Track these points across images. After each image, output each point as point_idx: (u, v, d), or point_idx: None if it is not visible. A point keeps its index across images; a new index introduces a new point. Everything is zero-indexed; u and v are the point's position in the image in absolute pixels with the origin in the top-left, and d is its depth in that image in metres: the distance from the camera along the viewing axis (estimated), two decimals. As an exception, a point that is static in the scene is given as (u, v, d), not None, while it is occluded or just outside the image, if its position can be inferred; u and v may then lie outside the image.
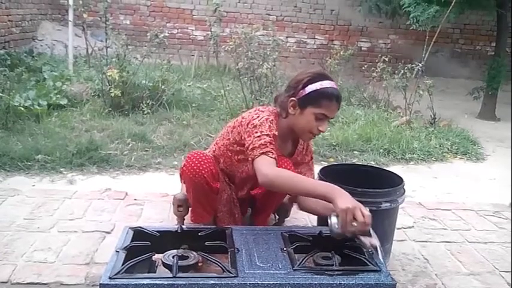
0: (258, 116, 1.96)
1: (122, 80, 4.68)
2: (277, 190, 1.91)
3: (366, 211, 1.61)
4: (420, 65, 5.16)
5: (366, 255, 1.64)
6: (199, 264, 1.63)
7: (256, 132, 1.89)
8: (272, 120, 1.96)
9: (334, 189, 1.69)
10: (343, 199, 1.62)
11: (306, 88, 1.94)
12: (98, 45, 5.59)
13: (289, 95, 1.99)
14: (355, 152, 4.12)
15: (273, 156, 1.83)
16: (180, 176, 2.20)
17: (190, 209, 2.15)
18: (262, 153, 1.82)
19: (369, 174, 2.31)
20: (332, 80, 1.98)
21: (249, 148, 1.87)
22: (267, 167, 1.78)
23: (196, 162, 1.99)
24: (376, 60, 5.73)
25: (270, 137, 1.88)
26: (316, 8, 9.15)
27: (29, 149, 3.45)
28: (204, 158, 2.01)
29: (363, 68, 6.37)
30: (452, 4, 5.17)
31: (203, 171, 1.98)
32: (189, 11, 8.99)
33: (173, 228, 1.80)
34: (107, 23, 4.80)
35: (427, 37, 5.31)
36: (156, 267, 1.75)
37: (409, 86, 5.27)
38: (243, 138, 1.96)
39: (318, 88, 1.93)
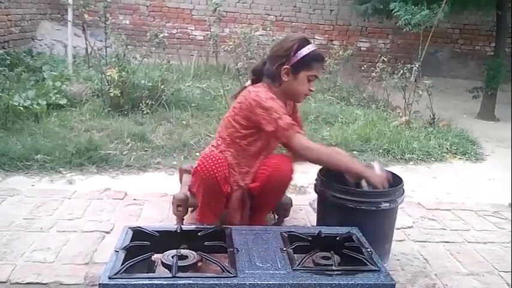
0: (261, 98, 2.05)
1: (121, 80, 4.68)
2: (316, 163, 2.08)
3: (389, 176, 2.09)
4: (417, 65, 5.16)
5: (365, 255, 1.64)
6: (199, 264, 1.63)
7: (272, 114, 2.01)
8: (272, 95, 2.08)
9: (366, 169, 2.04)
10: (375, 178, 2.01)
11: (297, 54, 2.08)
12: (98, 45, 5.59)
13: (280, 64, 2.09)
14: (354, 152, 4.12)
15: (303, 132, 2.12)
16: (180, 176, 2.21)
17: (198, 208, 2.16)
18: (295, 131, 2.01)
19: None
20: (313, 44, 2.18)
21: (279, 130, 2.00)
22: (307, 142, 2.03)
23: (211, 163, 2.01)
24: (376, 60, 5.73)
25: (286, 113, 2.06)
26: (316, 8, 9.15)
27: (28, 148, 3.45)
28: (218, 160, 2.04)
29: (362, 68, 6.37)
30: (443, 5, 5.18)
31: (217, 174, 2.00)
32: (189, 11, 8.98)
33: (172, 228, 1.81)
34: (107, 22, 4.80)
35: (421, 38, 5.32)
36: (156, 267, 1.75)
37: (409, 86, 5.26)
38: (256, 122, 2.06)
39: (308, 52, 2.09)
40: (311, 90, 2.15)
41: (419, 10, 5.30)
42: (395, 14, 5.68)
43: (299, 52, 2.07)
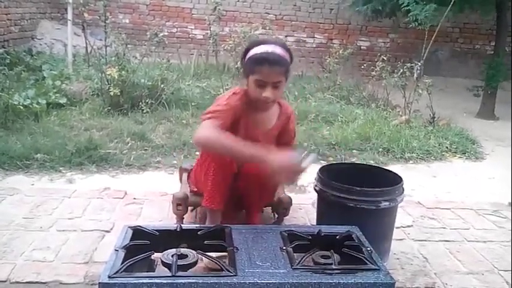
0: (216, 100, 2.09)
1: (121, 79, 4.68)
2: (209, 151, 2.01)
3: (294, 166, 1.75)
4: (419, 64, 5.16)
5: (365, 254, 1.64)
6: (201, 264, 1.64)
7: (214, 105, 2.02)
8: (235, 93, 2.05)
9: (259, 153, 1.79)
10: (274, 165, 1.75)
11: (245, 57, 2.01)
12: (97, 44, 5.58)
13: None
14: (354, 151, 4.12)
15: (220, 121, 1.93)
16: (180, 175, 2.21)
17: (205, 192, 2.13)
18: (209, 117, 1.93)
19: (368, 173, 2.31)
20: (274, 43, 2.00)
21: (203, 114, 1.98)
22: (204, 129, 1.91)
23: None
24: (376, 59, 5.73)
25: (224, 106, 1.99)
26: (316, 7, 9.14)
27: (28, 147, 3.45)
28: None
29: (362, 67, 6.37)
30: (452, 2, 5.17)
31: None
32: (189, 10, 8.98)
33: (172, 227, 1.80)
34: (106, 21, 4.81)
35: (426, 36, 5.31)
36: (156, 266, 1.75)
37: (408, 85, 5.27)
38: None
39: (251, 55, 1.98)
40: (265, 97, 1.97)
41: (428, 6, 5.28)
42: (403, 8, 5.66)
43: (247, 55, 2.01)
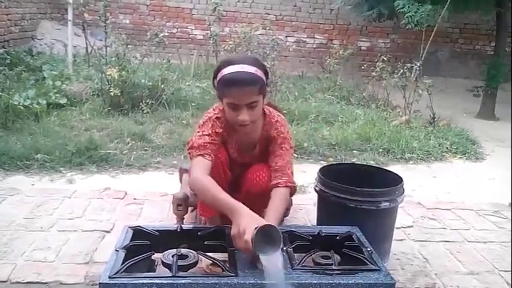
0: (206, 115, 1.99)
1: (121, 79, 4.68)
2: (197, 195, 1.94)
3: (246, 240, 1.49)
4: (418, 64, 5.16)
5: (365, 254, 1.64)
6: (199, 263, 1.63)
7: (199, 132, 1.94)
8: (217, 118, 1.96)
9: (234, 212, 1.61)
10: (234, 227, 1.57)
11: (216, 80, 1.90)
12: (98, 45, 5.58)
13: None
14: (354, 151, 4.12)
15: (209, 158, 1.87)
16: (180, 175, 2.20)
17: (198, 202, 2.14)
18: (199, 154, 1.86)
19: (368, 174, 2.31)
20: (243, 62, 1.85)
21: (189, 146, 1.91)
22: (196, 171, 1.82)
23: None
24: (376, 60, 5.73)
25: (210, 136, 1.91)
26: (316, 8, 9.15)
27: (28, 148, 3.45)
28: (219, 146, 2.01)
29: (362, 67, 6.36)
30: (448, 3, 5.17)
31: (220, 156, 1.99)
32: (189, 10, 8.98)
33: (173, 228, 1.81)
34: (107, 22, 4.81)
35: (423, 37, 5.31)
36: (156, 266, 1.75)
37: (409, 85, 5.27)
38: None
39: (220, 78, 1.86)
40: (240, 120, 1.84)
41: (423, 8, 5.29)
42: (399, 10, 5.68)
43: (217, 77, 1.88)
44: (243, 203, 1.67)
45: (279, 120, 2.04)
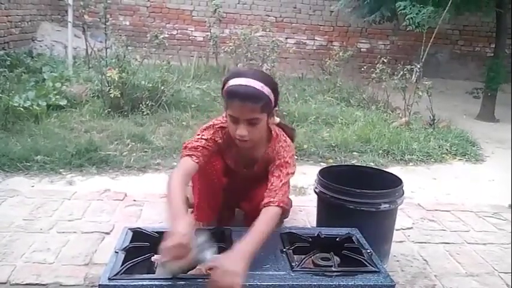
0: (212, 121, 1.96)
1: (121, 81, 4.68)
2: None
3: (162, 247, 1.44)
4: (418, 66, 5.17)
5: (365, 256, 1.64)
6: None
7: (198, 135, 1.91)
8: (221, 127, 1.92)
9: (175, 218, 1.55)
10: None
11: (223, 89, 1.85)
12: (98, 46, 5.59)
13: None
14: (354, 153, 4.12)
15: (196, 161, 1.83)
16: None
17: (194, 207, 2.15)
18: (187, 155, 1.84)
19: (368, 176, 2.32)
20: (251, 76, 1.80)
21: (184, 146, 1.88)
22: (176, 170, 1.82)
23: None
24: (376, 62, 5.73)
25: (207, 141, 1.88)
26: (316, 9, 9.15)
27: (28, 149, 3.45)
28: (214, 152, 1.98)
29: (362, 69, 6.37)
30: (449, 4, 5.18)
31: (215, 164, 1.97)
32: (189, 12, 8.99)
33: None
34: (107, 23, 4.81)
35: (424, 38, 5.32)
36: (155, 268, 1.75)
37: (408, 87, 5.27)
38: None
39: (225, 88, 1.82)
40: (238, 135, 1.79)
41: (425, 9, 5.29)
42: (400, 12, 5.68)
43: (224, 87, 1.84)
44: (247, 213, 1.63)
45: (283, 146, 1.96)
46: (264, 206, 1.77)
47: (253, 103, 1.75)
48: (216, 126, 1.93)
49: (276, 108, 1.90)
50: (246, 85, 1.76)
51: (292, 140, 2.11)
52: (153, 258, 1.61)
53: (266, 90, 1.79)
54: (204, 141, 1.89)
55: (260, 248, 1.59)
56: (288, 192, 1.87)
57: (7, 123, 3.96)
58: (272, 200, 1.78)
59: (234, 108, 1.77)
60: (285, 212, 1.94)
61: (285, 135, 2.01)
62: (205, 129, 1.94)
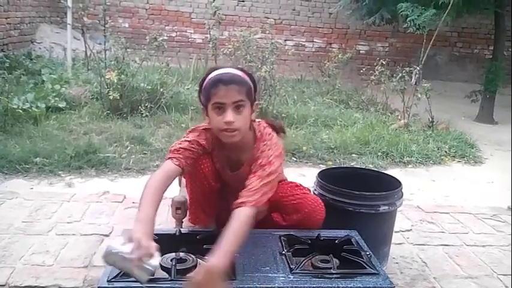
0: (197, 125, 1.94)
1: (120, 83, 4.69)
2: None
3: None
4: (418, 68, 5.17)
5: (364, 258, 1.64)
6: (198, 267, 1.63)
7: (184, 137, 1.89)
8: (205, 129, 1.90)
9: (136, 219, 1.56)
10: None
11: (201, 89, 1.84)
12: (97, 48, 5.59)
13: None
14: (353, 155, 4.13)
15: (177, 163, 1.79)
16: (179, 178, 2.19)
17: (188, 210, 2.14)
18: (169, 158, 1.82)
19: (367, 178, 2.32)
20: (226, 68, 1.82)
21: (169, 149, 1.87)
22: (157, 172, 1.78)
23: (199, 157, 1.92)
24: (375, 64, 5.75)
25: (190, 143, 1.85)
26: (315, 11, 9.18)
27: (27, 151, 3.45)
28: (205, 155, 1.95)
29: (361, 71, 6.38)
30: (449, 7, 5.19)
31: (203, 167, 1.95)
32: (188, 14, 9.00)
33: (171, 231, 1.81)
34: (106, 25, 4.82)
35: (424, 40, 5.33)
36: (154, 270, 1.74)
37: (407, 89, 5.28)
38: None
39: (205, 83, 1.81)
40: (226, 122, 1.74)
41: (427, 11, 5.30)
42: (401, 13, 5.69)
43: (202, 87, 1.83)
44: None
45: (267, 144, 1.87)
46: (237, 207, 1.67)
47: (237, 85, 1.76)
48: (200, 128, 1.92)
49: (257, 102, 1.91)
50: (227, 72, 1.79)
51: (283, 132, 2.06)
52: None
53: (246, 78, 1.83)
54: (187, 143, 1.86)
55: (259, 250, 1.59)
56: (268, 193, 1.77)
57: (6, 125, 3.96)
58: (248, 199, 1.69)
59: (219, 94, 1.74)
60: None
61: (270, 133, 1.93)
62: (190, 132, 1.93)
